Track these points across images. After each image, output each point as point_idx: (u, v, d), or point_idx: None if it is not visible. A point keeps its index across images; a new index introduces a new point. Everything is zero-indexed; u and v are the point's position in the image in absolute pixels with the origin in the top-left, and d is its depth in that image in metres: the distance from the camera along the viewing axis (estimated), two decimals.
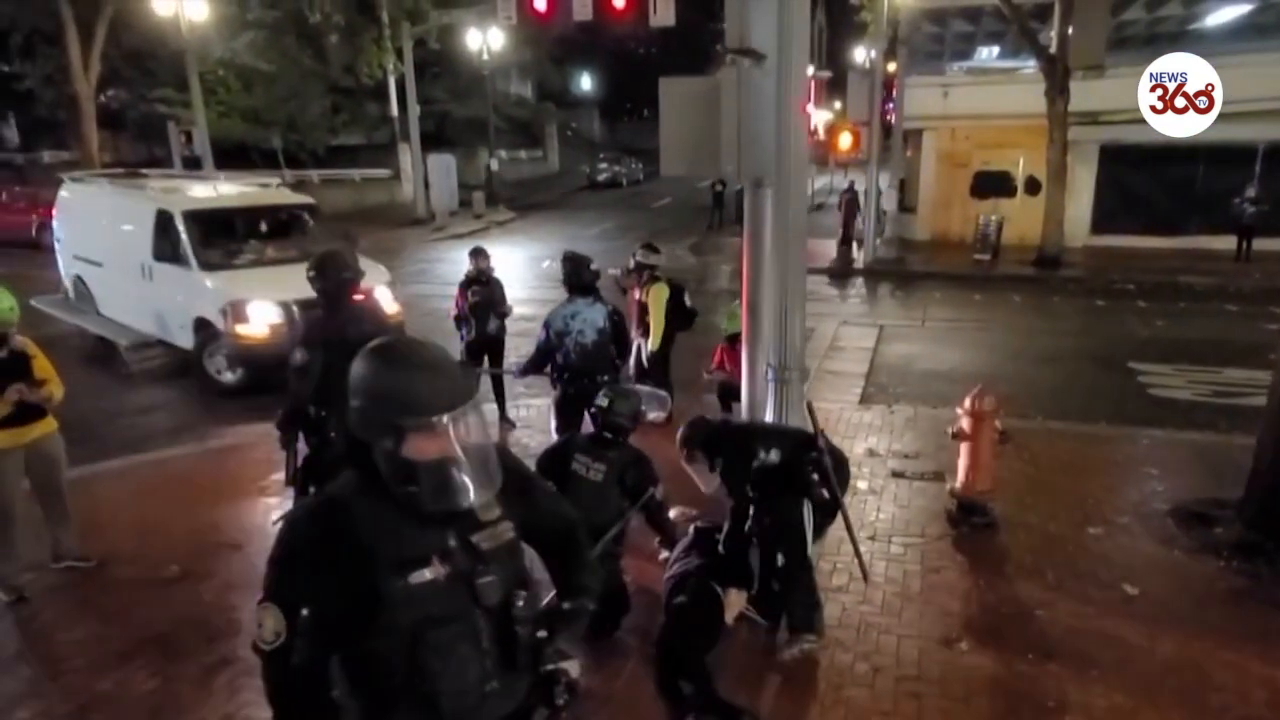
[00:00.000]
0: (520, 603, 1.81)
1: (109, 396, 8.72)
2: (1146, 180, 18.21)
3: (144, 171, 12.42)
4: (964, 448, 5.39)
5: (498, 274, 7.49)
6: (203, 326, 8.56)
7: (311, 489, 4.29)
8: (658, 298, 7.01)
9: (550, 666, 1.89)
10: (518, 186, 32.79)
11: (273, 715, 1.77)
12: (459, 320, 7.27)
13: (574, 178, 38.37)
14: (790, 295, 5.24)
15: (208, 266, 8.66)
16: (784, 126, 4.89)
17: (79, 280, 10.53)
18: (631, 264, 7.30)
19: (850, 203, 18.71)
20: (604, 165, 38.35)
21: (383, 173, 27.91)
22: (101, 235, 9.97)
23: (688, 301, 7.25)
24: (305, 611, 1.69)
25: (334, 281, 4.30)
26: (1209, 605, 4.46)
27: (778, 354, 5.15)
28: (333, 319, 4.29)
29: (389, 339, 1.87)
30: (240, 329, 8.12)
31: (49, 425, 4.76)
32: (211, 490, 6.01)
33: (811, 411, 4.24)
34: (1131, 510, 5.56)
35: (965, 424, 5.35)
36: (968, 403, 5.34)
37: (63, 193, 11.05)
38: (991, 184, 19.02)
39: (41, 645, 4.29)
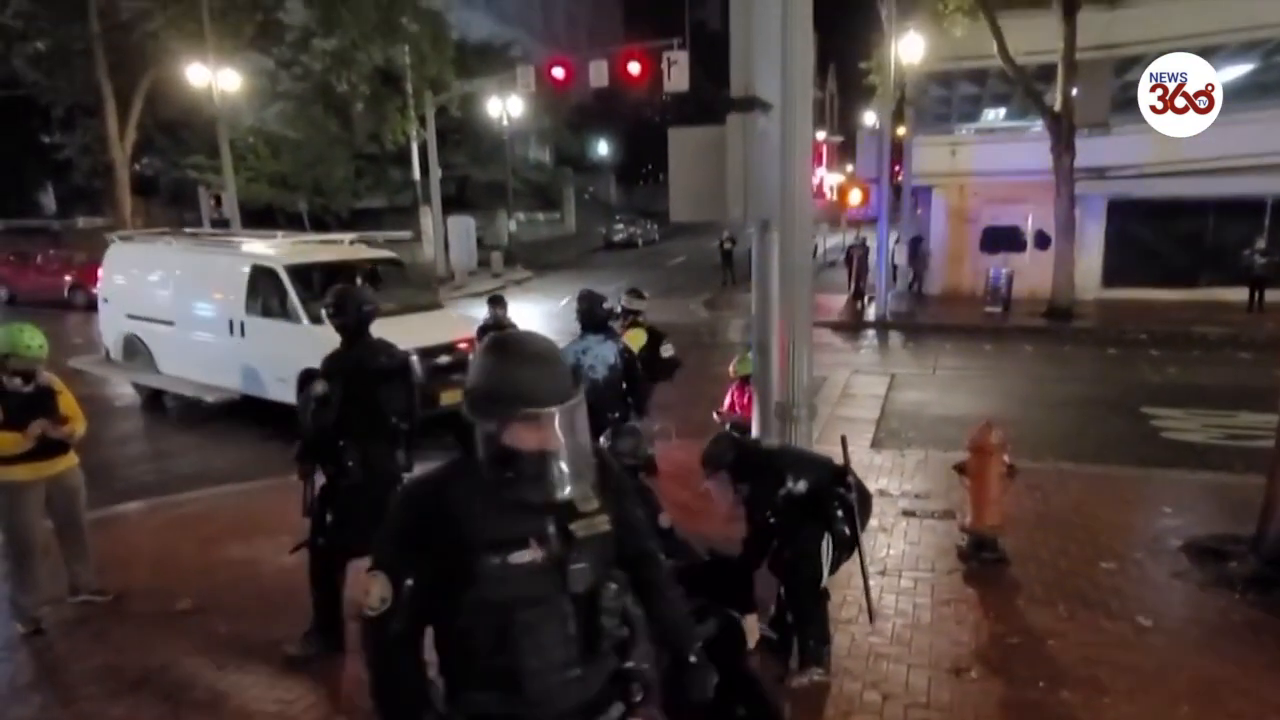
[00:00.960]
0: (608, 593, 1.87)
1: (133, 442, 8.91)
2: (1156, 233, 18.36)
3: (190, 231, 12.76)
4: (971, 482, 5.40)
5: (516, 322, 7.68)
6: (311, 377, 8.58)
7: (329, 518, 4.37)
8: (633, 342, 7.03)
9: (629, 664, 1.94)
10: (535, 247, 33.41)
11: (369, 680, 1.85)
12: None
13: (590, 239, 39.06)
14: (797, 335, 5.36)
15: (318, 320, 8.68)
16: (789, 172, 5.07)
17: (133, 340, 10.49)
18: (618, 309, 7.33)
19: (861, 259, 18.94)
20: (620, 226, 39.01)
21: (404, 234, 28.30)
22: (172, 294, 9.98)
23: (666, 352, 7.03)
24: (409, 581, 1.78)
25: (354, 316, 4.45)
26: (1224, 637, 4.40)
27: (786, 392, 5.24)
28: (351, 351, 4.43)
29: (508, 333, 1.99)
30: None
31: (70, 460, 4.89)
32: (228, 528, 6.10)
33: (845, 447, 4.24)
34: (1144, 545, 5.51)
35: (972, 459, 5.37)
36: (973, 436, 5.37)
37: (112, 253, 11.06)
38: (1001, 238, 19.24)
39: (55, 675, 4.35)
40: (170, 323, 10.00)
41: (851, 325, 16.91)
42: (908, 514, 6.12)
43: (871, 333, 16.32)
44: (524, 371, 1.79)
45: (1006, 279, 17.30)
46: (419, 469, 4.79)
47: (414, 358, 5.77)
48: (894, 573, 5.17)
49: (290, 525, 5.18)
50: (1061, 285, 16.54)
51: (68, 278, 20.58)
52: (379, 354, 4.50)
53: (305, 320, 8.78)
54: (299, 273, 9.10)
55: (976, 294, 18.40)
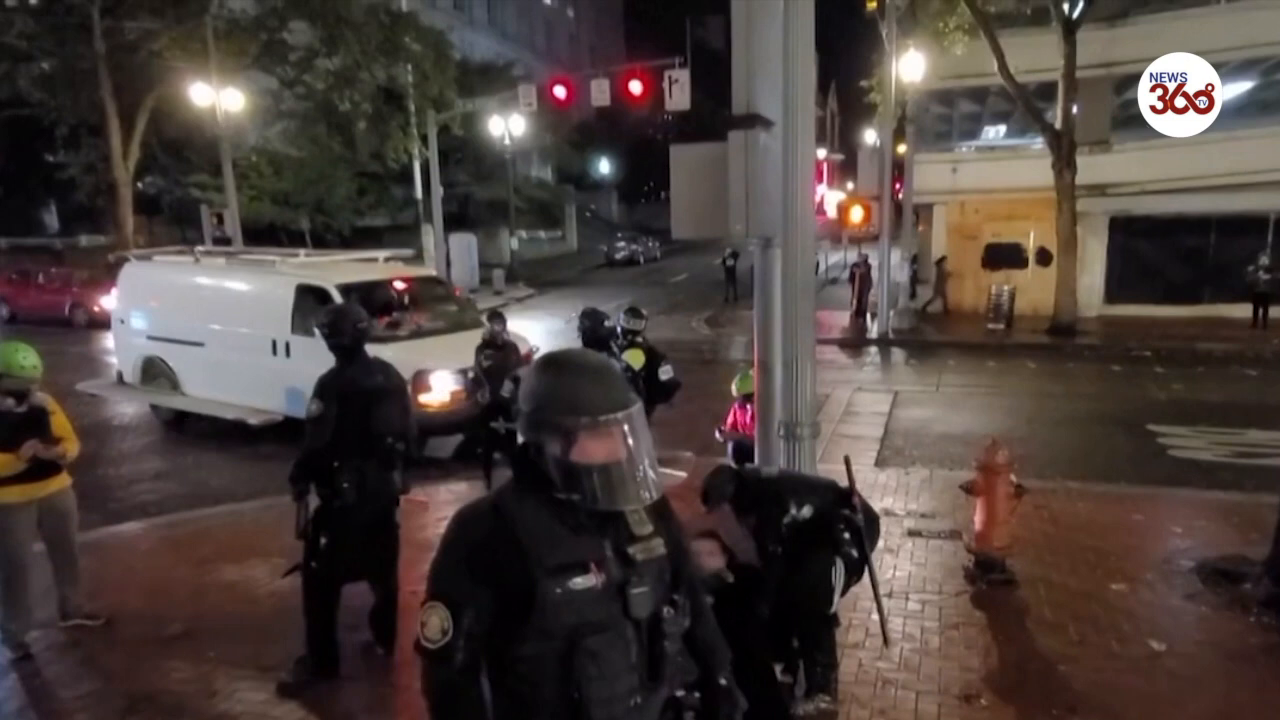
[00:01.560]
0: (669, 618, 1.82)
1: (128, 463, 8.83)
2: (1158, 250, 18.33)
3: (205, 249, 12.64)
4: (979, 502, 5.31)
5: (514, 339, 7.61)
6: None
7: (322, 540, 4.28)
8: (632, 362, 6.95)
9: (680, 693, 1.91)
10: (537, 265, 33.44)
11: (431, 716, 1.78)
12: (476, 383, 7.34)
13: (592, 256, 39.12)
14: (800, 351, 5.28)
15: (374, 340, 8.68)
16: (791, 188, 5.02)
17: (154, 362, 10.12)
18: (618, 329, 7.20)
19: (863, 276, 18.91)
20: (622, 244, 39.05)
21: (406, 252, 28.44)
22: (203, 314, 9.63)
23: (665, 374, 6.88)
24: (469, 614, 1.73)
25: (349, 335, 4.39)
26: (1240, 661, 4.29)
27: (789, 410, 5.16)
28: (347, 371, 4.36)
29: (559, 350, 1.95)
30: (424, 398, 8.05)
31: (62, 481, 4.81)
32: (223, 549, 6.01)
33: (849, 467, 4.15)
34: (1155, 567, 5.41)
35: (979, 479, 5.28)
36: (980, 455, 5.28)
37: (129, 273, 10.66)
38: (1003, 255, 19.20)
39: (43, 701, 4.25)
40: (200, 344, 9.61)
41: (854, 342, 16.85)
42: (913, 534, 6.02)
43: (874, 350, 16.26)
44: (584, 382, 1.77)
45: (1009, 296, 17.25)
46: (416, 492, 4.75)
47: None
48: (901, 595, 5.07)
49: (285, 547, 5.11)
50: (1064, 302, 16.49)
51: (69, 296, 20.59)
52: (375, 373, 4.43)
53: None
54: (350, 291, 8.90)
55: (979, 311, 18.35)
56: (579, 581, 1.73)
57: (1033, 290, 17.85)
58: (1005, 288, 17.46)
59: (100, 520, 6.80)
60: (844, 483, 4.04)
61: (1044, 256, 18.43)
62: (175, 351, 9.90)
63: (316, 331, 8.54)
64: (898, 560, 5.60)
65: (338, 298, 8.73)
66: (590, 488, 1.74)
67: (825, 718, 3.81)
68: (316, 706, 4.08)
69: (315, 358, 7.97)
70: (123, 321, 10.65)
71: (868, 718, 3.87)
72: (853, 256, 23.78)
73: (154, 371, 10.17)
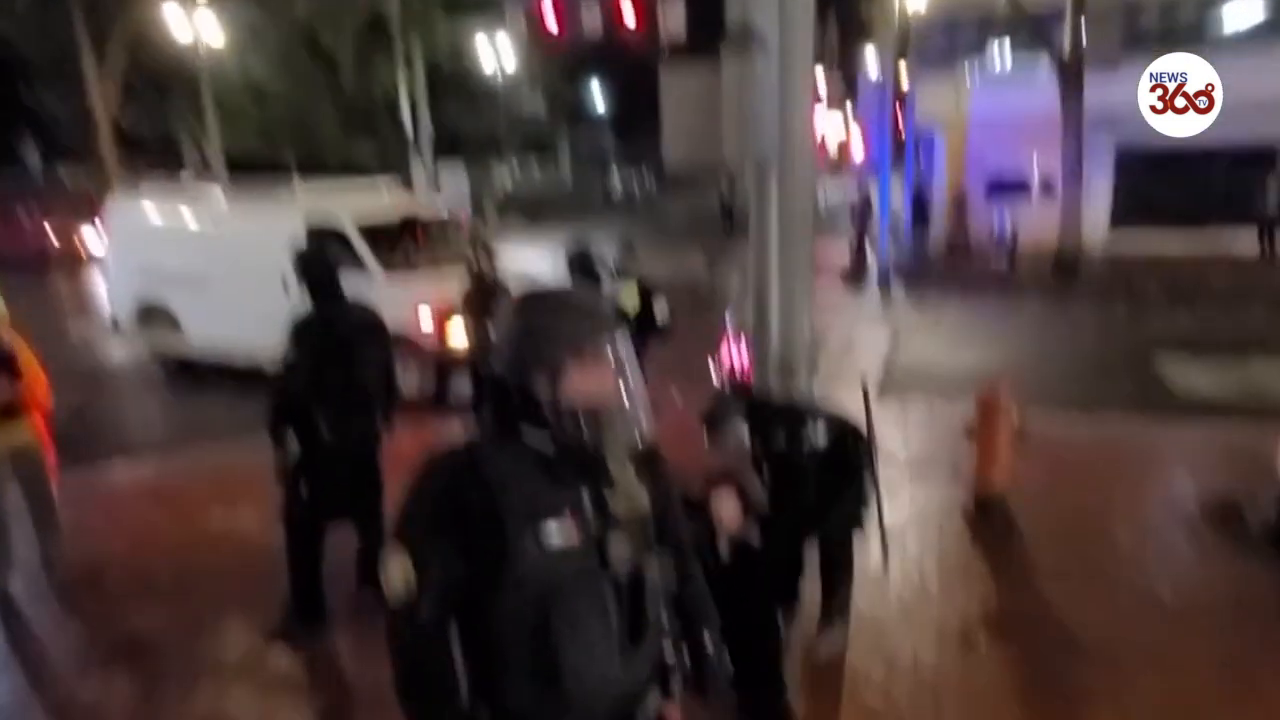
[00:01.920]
0: (652, 574, 1.71)
1: (109, 402, 8.68)
2: (1166, 179, 17.87)
3: (189, 184, 12.16)
4: (979, 443, 5.18)
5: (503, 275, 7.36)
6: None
7: (303, 488, 4.16)
8: (624, 300, 6.70)
9: (669, 657, 1.81)
10: (530, 200, 32.85)
11: (396, 673, 1.67)
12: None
13: (587, 191, 38.46)
14: (797, 286, 5.09)
15: (392, 276, 8.35)
16: (788, 110, 4.73)
17: (152, 305, 9.60)
18: (610, 265, 6.91)
19: (864, 208, 18.51)
20: (617, 178, 38.40)
21: (377, 184, 27.87)
22: (206, 253, 9.11)
23: (660, 313, 6.60)
24: (436, 564, 1.60)
25: (322, 275, 4.17)
26: (1245, 603, 4.20)
27: (785, 347, 4.99)
28: (321, 312, 4.16)
29: (537, 287, 1.80)
30: (445, 336, 7.91)
31: (35, 428, 4.66)
32: (206, 495, 5.91)
33: (866, 395, 4.04)
34: (1158, 506, 5.33)
35: (979, 418, 5.14)
36: (982, 395, 5.13)
37: (116, 210, 10.07)
38: (1006, 187, 18.77)
39: (26, 651, 4.18)
40: (204, 284, 9.11)
41: (854, 277, 16.57)
42: (912, 474, 5.91)
43: (874, 284, 16.00)
44: (568, 316, 1.67)
45: (1011, 228, 16.91)
46: (401, 434, 4.59)
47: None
48: (899, 537, 4.95)
49: (269, 490, 5.01)
50: (1068, 234, 16.15)
51: (52, 236, 20.19)
52: (351, 315, 4.23)
53: (379, 274, 8.36)
54: (366, 227, 8.61)
55: (981, 246, 18.02)
56: (555, 536, 1.60)
57: (1036, 222, 17.48)
58: (1008, 220, 17.10)
59: (84, 463, 6.69)
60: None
61: (1048, 187, 18.02)
62: (176, 292, 9.38)
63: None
64: (896, 501, 5.48)
65: (354, 234, 8.45)
66: (582, 428, 1.62)
67: (821, 662, 3.75)
68: (305, 652, 4.02)
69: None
70: (113, 260, 10.13)
71: (866, 663, 3.79)
72: (852, 188, 23.34)
73: (152, 315, 9.72)
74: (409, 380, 8.20)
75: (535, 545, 1.59)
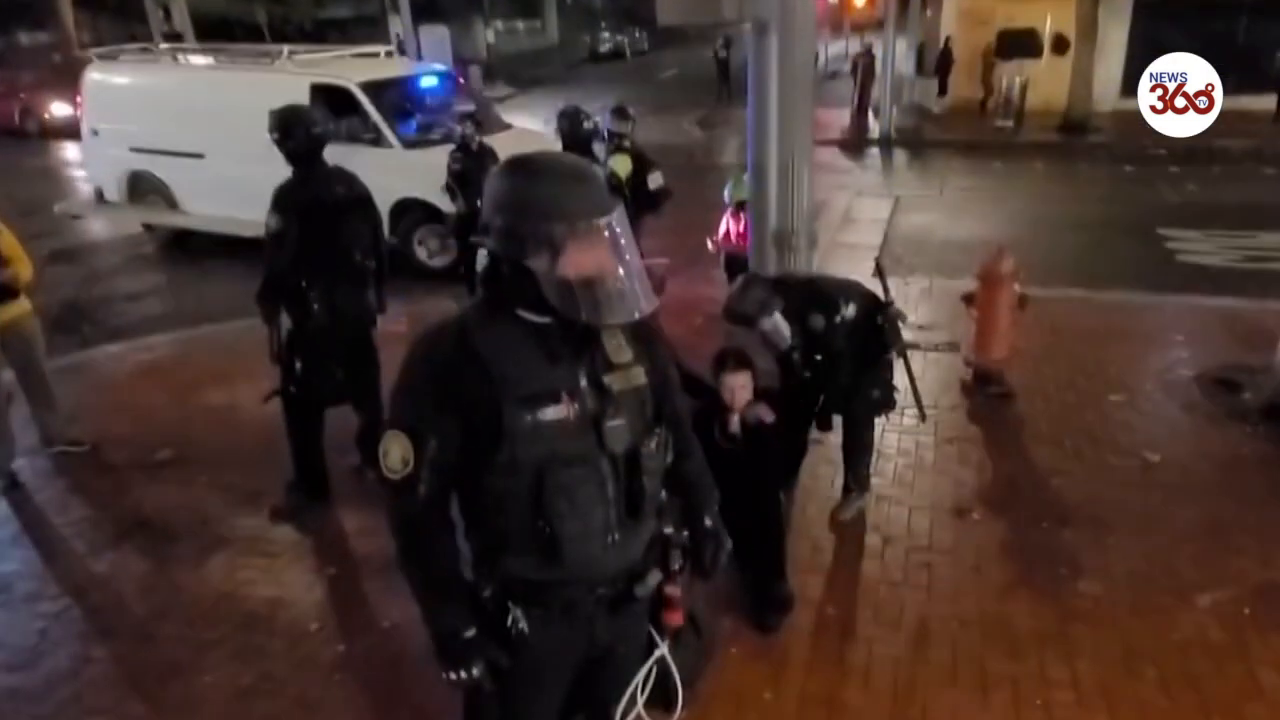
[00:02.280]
0: (648, 452, 1.69)
1: (99, 284, 8.53)
2: (1183, 36, 16.80)
3: (164, 47, 11.40)
4: (979, 313, 5.13)
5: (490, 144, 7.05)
6: (407, 209, 7.92)
7: (297, 364, 4.10)
8: (618, 169, 6.43)
9: (668, 530, 1.83)
10: (516, 60, 31.31)
11: (396, 549, 1.71)
12: (449, 191, 6.90)
13: (575, 49, 36.57)
14: (797, 154, 4.89)
15: (411, 145, 7.95)
16: None
17: (143, 176, 9.19)
18: (602, 131, 6.46)
19: (866, 68, 17.68)
20: (606, 36, 36.55)
21: (375, 49, 26.59)
22: (200, 121, 8.55)
23: (654, 182, 6.36)
24: (432, 440, 1.61)
25: (302, 141, 3.94)
26: (1234, 471, 4.29)
27: (784, 218, 4.85)
28: (305, 182, 3.96)
29: (529, 154, 1.69)
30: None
31: (22, 307, 4.57)
32: (205, 372, 5.88)
33: (882, 274, 4.01)
34: (1155, 377, 5.34)
35: (979, 288, 5.07)
36: (983, 264, 5.04)
37: (95, 77, 9.39)
38: (1016, 44, 17.81)
39: (36, 529, 4.25)
40: (200, 155, 8.72)
41: (855, 143, 16.03)
42: (911, 346, 5.84)
43: (876, 151, 15.51)
44: (563, 186, 1.58)
45: (1020, 89, 16.21)
46: (397, 311, 4.51)
47: None
48: (896, 410, 4.98)
49: (268, 369, 5.00)
50: (1079, 95, 15.54)
51: (17, 103, 19.25)
52: (335, 185, 4.03)
53: (398, 145, 7.97)
54: (375, 90, 8.10)
55: (988, 106, 17.35)
56: (550, 412, 1.59)
57: (1046, 82, 16.75)
58: (1017, 80, 16.37)
59: (77, 344, 6.64)
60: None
61: (1060, 44, 17.16)
62: (169, 165, 8.96)
63: (346, 137, 7.40)
64: (894, 374, 5.48)
65: (363, 98, 7.97)
66: (581, 303, 1.56)
67: (818, 535, 3.85)
68: (310, 530, 4.09)
69: (358, 167, 7.02)
70: (96, 133, 9.50)
71: (861, 534, 3.88)
72: (855, 47, 22.21)
73: (143, 188, 9.29)
74: (430, 251, 8.14)
75: (530, 422, 1.58)
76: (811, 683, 3.00)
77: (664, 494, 1.83)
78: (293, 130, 3.93)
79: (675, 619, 1.84)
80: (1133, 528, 3.81)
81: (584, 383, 1.64)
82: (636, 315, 1.62)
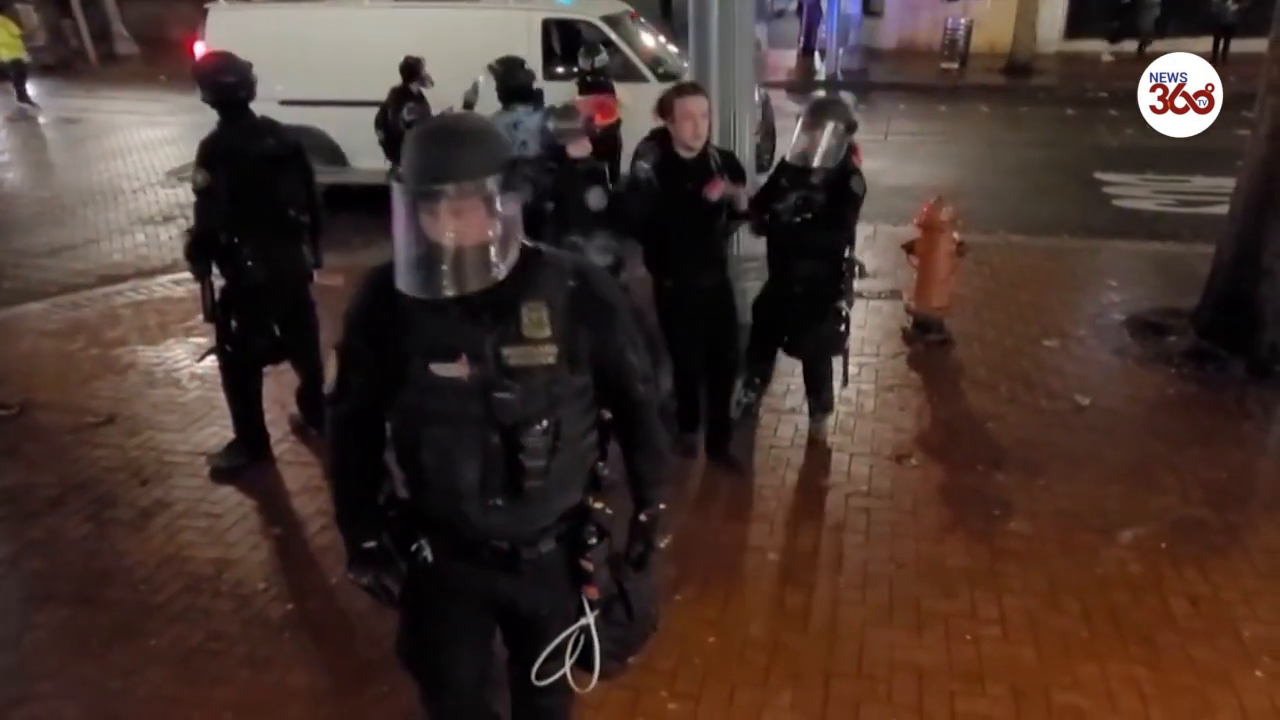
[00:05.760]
0: (531, 433, 1.67)
1: (17, 238, 8.12)
2: None
3: None
4: (919, 261, 5.21)
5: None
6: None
7: (233, 322, 3.99)
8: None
9: (598, 505, 1.86)
10: None
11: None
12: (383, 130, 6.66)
13: None
14: (739, 95, 4.89)
15: (664, 77, 7.47)
16: None
17: (307, 132, 7.32)
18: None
19: (812, 8, 17.45)
20: None
21: None
22: (383, 66, 6.89)
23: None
24: (353, 367, 1.78)
25: (224, 89, 3.75)
26: (1158, 412, 4.49)
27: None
28: (231, 134, 3.79)
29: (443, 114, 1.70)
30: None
31: None
32: (134, 332, 5.69)
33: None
34: (1088, 322, 5.51)
35: (920, 236, 5.13)
36: (923, 213, 5.10)
37: (224, 22, 8.05)
38: None
39: None
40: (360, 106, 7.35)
41: (801, 86, 15.91)
42: (855, 295, 5.94)
43: (822, 94, 15.41)
44: (422, 146, 1.57)
45: (965, 30, 16.22)
46: (330, 264, 4.39)
47: None
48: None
49: (202, 326, 4.86)
50: (1023, 36, 15.64)
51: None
52: (264, 135, 3.86)
53: (652, 78, 7.60)
54: (614, 24, 7.73)
55: (933, 48, 17.33)
56: (444, 368, 1.66)
57: (991, 24, 16.79)
58: (962, 21, 16.36)
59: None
60: None
61: None
62: (341, 118, 7.86)
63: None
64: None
65: (610, 32, 7.62)
66: (401, 266, 1.59)
67: (757, 481, 3.95)
68: (253, 490, 4.03)
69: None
70: None
71: (801, 480, 3.98)
72: None
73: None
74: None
75: (423, 376, 1.66)
76: (754, 626, 3.09)
77: (604, 469, 1.86)
78: (216, 79, 3.75)
79: (591, 591, 1.87)
80: (1062, 469, 3.97)
81: (489, 350, 1.64)
82: (440, 295, 1.56)
